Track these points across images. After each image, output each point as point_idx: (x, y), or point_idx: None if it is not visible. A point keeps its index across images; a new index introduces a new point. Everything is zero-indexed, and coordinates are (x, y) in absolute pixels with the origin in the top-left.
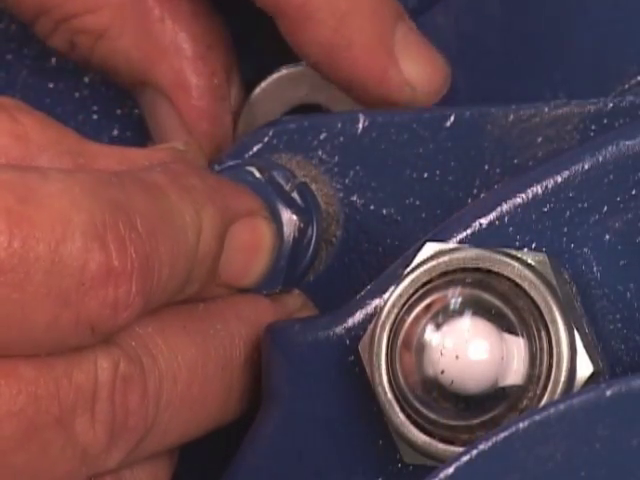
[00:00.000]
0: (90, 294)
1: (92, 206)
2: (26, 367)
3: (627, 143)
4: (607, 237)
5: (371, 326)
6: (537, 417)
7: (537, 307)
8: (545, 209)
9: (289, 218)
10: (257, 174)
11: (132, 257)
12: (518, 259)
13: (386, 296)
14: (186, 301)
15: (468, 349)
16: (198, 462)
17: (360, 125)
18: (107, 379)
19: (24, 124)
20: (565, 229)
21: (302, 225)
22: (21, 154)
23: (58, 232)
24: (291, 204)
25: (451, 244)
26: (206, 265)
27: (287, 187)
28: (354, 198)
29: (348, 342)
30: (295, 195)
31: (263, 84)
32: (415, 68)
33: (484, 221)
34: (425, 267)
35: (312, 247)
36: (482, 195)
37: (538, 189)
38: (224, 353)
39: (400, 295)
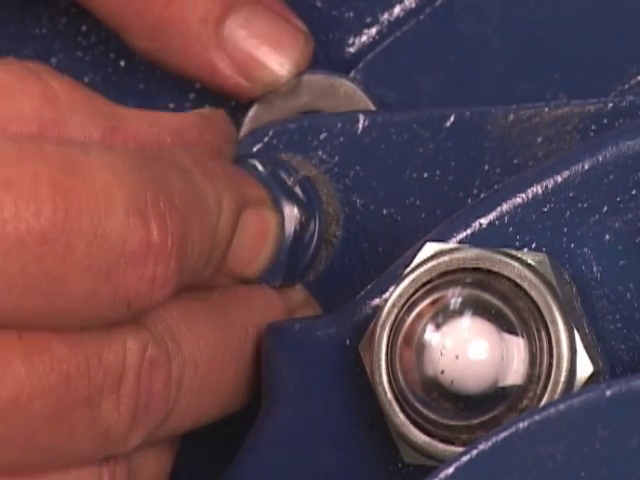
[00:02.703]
0: (130, 269)
1: (134, 183)
2: (59, 344)
3: (627, 143)
4: (607, 237)
5: (371, 326)
6: (537, 417)
7: (537, 307)
8: (545, 209)
9: (291, 212)
10: (260, 167)
11: (172, 234)
12: (518, 259)
13: (386, 296)
14: (199, 288)
15: (468, 349)
16: (198, 461)
17: (360, 125)
18: (135, 362)
19: (53, 87)
20: (565, 229)
21: (304, 219)
22: (53, 116)
23: (101, 206)
24: (293, 198)
25: (451, 244)
26: (221, 249)
27: (290, 182)
28: (354, 198)
29: (348, 342)
30: (298, 190)
31: None
32: (249, 60)
33: (484, 221)
34: (425, 267)
35: (314, 242)
36: (482, 195)
37: (538, 189)
38: (239, 342)
39: (400, 295)
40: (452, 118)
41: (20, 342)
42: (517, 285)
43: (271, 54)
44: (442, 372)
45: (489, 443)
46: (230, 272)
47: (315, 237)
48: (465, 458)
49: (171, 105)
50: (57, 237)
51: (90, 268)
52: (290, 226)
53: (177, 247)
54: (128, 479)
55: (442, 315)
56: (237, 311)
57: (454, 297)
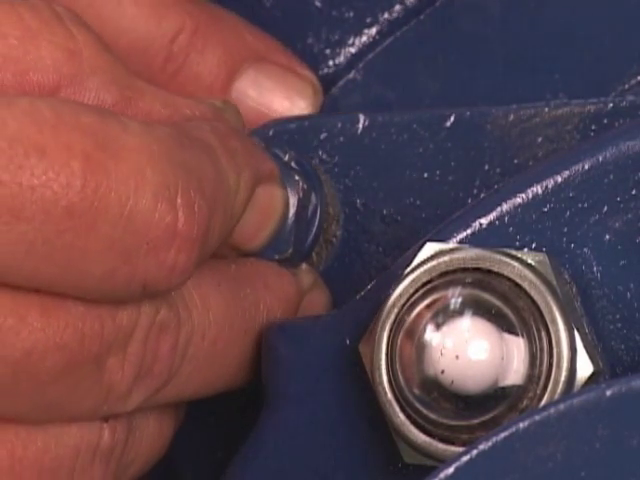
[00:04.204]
0: (151, 254)
1: (168, 167)
2: (75, 302)
3: (627, 143)
4: (607, 237)
5: (371, 326)
6: (537, 417)
7: (537, 307)
8: (545, 209)
9: (292, 179)
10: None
11: (198, 224)
12: (518, 259)
13: (386, 296)
14: (215, 257)
15: (468, 349)
16: (199, 461)
17: (360, 125)
18: (146, 323)
19: (79, 40)
20: (565, 229)
21: (305, 186)
22: (72, 72)
23: (131, 187)
24: (292, 170)
25: (451, 244)
26: (232, 226)
27: (286, 158)
28: (354, 198)
29: (348, 342)
30: (294, 165)
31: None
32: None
33: (484, 221)
34: (425, 267)
35: (319, 213)
36: (482, 195)
37: (538, 189)
38: (249, 317)
39: (400, 295)
40: (452, 118)
41: (37, 297)
42: (517, 285)
43: (281, 112)
44: (442, 372)
45: (489, 443)
46: (232, 244)
47: (318, 209)
48: (465, 458)
49: None
50: (83, 213)
51: (111, 248)
52: (294, 194)
53: (201, 237)
54: (127, 438)
55: (442, 315)
56: (251, 287)
57: (454, 297)
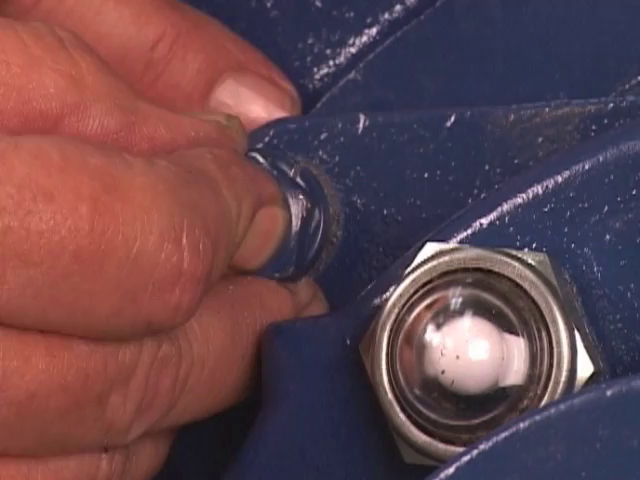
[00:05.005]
0: (157, 295)
1: (173, 208)
2: (79, 342)
3: (628, 143)
4: (607, 237)
5: (371, 326)
6: (537, 417)
7: (537, 307)
8: (545, 209)
9: (296, 199)
10: (261, 159)
11: (203, 263)
12: (518, 259)
13: (386, 296)
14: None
15: (469, 349)
16: (199, 461)
17: (360, 125)
18: (148, 359)
19: (81, 66)
20: (565, 229)
21: (309, 205)
22: (76, 100)
23: (138, 228)
24: (297, 188)
25: (451, 244)
26: (234, 253)
27: (291, 173)
28: (354, 198)
29: (348, 342)
30: (299, 180)
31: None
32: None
33: (484, 221)
34: (426, 267)
35: (321, 230)
36: (482, 195)
37: (538, 189)
38: (246, 342)
39: (400, 295)
40: (452, 118)
41: (43, 337)
42: (518, 285)
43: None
44: (443, 372)
45: (489, 443)
46: (232, 265)
47: (322, 225)
48: (465, 458)
49: None
50: (90, 256)
51: (117, 289)
52: (297, 212)
53: (206, 275)
54: (124, 465)
55: (443, 315)
56: (249, 309)
57: (455, 297)
